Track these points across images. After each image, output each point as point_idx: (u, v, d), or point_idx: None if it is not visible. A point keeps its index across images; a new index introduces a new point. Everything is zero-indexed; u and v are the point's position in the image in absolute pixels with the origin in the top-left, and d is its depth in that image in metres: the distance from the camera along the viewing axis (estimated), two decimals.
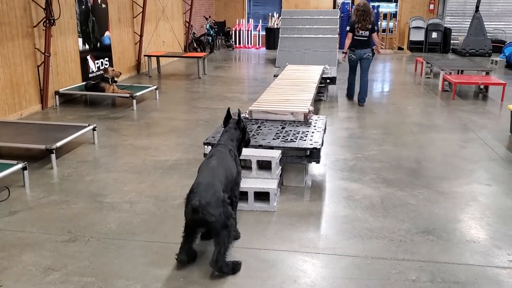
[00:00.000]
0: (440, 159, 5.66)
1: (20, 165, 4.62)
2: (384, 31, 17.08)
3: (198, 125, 7.03)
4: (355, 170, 5.25)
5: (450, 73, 9.88)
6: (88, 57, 9.23)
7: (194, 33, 15.62)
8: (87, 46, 9.16)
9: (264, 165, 4.49)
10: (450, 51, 16.53)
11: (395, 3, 17.70)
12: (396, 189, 4.73)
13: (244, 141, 3.92)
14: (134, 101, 7.93)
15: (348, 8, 16.43)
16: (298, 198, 4.49)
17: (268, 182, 4.31)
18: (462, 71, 10.34)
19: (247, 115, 5.51)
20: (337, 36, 13.09)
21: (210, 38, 15.95)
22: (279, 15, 15.83)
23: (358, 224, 4.00)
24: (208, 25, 16.05)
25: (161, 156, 5.66)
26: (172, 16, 13.98)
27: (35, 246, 3.60)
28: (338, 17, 13.47)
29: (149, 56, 11.37)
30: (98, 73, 9.44)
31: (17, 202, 4.36)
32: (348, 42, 8.50)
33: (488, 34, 15.45)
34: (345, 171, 5.21)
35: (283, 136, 4.82)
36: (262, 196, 4.25)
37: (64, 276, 3.21)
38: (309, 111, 5.42)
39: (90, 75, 9.24)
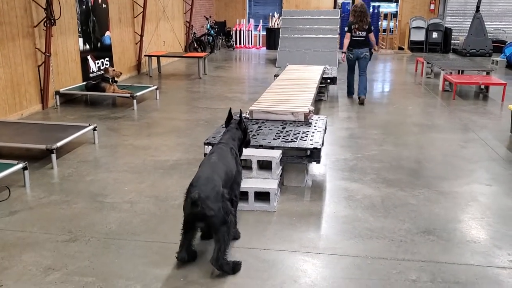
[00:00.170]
0: (440, 159, 5.66)
1: (20, 165, 4.62)
2: (384, 31, 17.08)
3: (198, 125, 7.03)
4: (355, 170, 5.25)
5: (451, 73, 9.88)
6: (89, 57, 9.23)
7: (194, 33, 15.62)
8: (87, 46, 9.16)
9: (265, 165, 4.49)
10: (451, 51, 16.53)
11: (395, 3, 17.71)
12: (397, 189, 4.73)
13: (245, 142, 3.93)
14: (135, 101, 7.93)
15: (348, 8, 16.43)
16: (298, 198, 4.49)
17: (269, 182, 4.31)
18: (462, 71, 10.34)
19: (247, 115, 5.51)
20: (337, 36, 13.09)
21: (210, 38, 15.96)
22: (280, 15, 15.84)
23: (358, 224, 4.00)
24: (208, 25, 16.06)
25: (162, 156, 5.66)
26: (172, 16, 13.99)
27: (35, 246, 3.60)
28: (339, 17, 13.46)
29: (150, 56, 11.37)
30: (99, 73, 9.44)
31: (18, 202, 4.36)
32: (346, 42, 8.74)
33: (488, 34, 15.45)
34: (346, 171, 5.21)
35: (284, 136, 4.82)
36: (263, 196, 4.25)
37: (65, 276, 3.21)
38: (309, 111, 5.42)
39: (91, 75, 9.25)
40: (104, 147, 5.97)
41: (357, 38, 8.65)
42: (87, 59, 9.18)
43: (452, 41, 16.57)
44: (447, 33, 16.36)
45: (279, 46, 12.99)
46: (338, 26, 13.18)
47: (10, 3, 6.89)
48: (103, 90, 8.12)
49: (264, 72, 12.27)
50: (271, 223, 4.00)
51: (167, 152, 5.81)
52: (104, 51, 9.84)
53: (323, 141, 4.87)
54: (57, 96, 7.98)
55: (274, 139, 4.75)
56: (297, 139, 4.73)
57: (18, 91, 7.17)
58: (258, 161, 4.45)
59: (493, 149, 6.03)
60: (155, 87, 8.75)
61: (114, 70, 8.44)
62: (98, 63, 9.55)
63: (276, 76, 8.49)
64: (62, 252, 3.51)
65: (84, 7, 8.97)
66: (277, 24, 16.76)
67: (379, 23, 16.91)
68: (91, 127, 6.02)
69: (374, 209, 4.27)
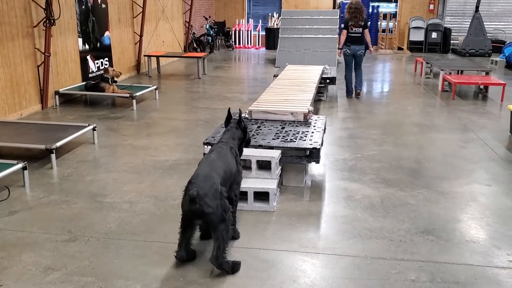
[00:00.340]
0: (440, 159, 5.67)
1: (20, 165, 4.63)
2: (384, 31, 17.09)
3: (197, 125, 7.03)
4: (354, 170, 5.25)
5: (450, 73, 9.88)
6: (88, 57, 9.23)
7: (194, 33, 15.62)
8: (87, 46, 9.16)
9: (264, 165, 4.50)
10: (450, 51, 16.53)
11: (395, 3, 17.71)
12: (396, 189, 4.74)
13: (245, 141, 3.93)
14: (134, 101, 7.93)
15: None
16: (297, 198, 4.49)
17: (268, 182, 4.31)
18: (462, 71, 10.34)
19: (247, 115, 5.51)
20: (336, 36, 13.08)
21: (210, 38, 15.96)
22: (279, 15, 15.83)
23: (357, 224, 4.00)
24: (208, 25, 16.05)
25: (161, 156, 5.66)
26: (172, 16, 13.99)
27: (35, 245, 3.60)
28: (338, 17, 13.46)
29: (149, 56, 11.37)
30: (98, 73, 9.44)
31: (17, 202, 4.36)
32: (343, 38, 9.10)
33: (488, 34, 15.45)
34: (345, 171, 5.21)
35: (283, 136, 4.82)
36: (262, 196, 4.25)
37: (64, 276, 3.21)
38: (308, 111, 5.42)
39: (90, 75, 9.25)
40: (104, 147, 5.97)
41: (353, 35, 8.95)
42: (87, 59, 9.18)
43: (451, 41, 16.57)
44: (446, 33, 16.36)
45: (278, 46, 12.99)
46: (337, 26, 13.17)
47: (10, 3, 6.89)
48: (102, 90, 8.12)
49: (263, 72, 12.28)
50: (270, 223, 4.00)
51: (167, 152, 5.81)
52: (104, 51, 9.84)
53: (322, 141, 4.88)
54: (57, 96, 7.98)
55: (273, 139, 4.75)
56: (296, 139, 4.73)
57: (18, 91, 7.17)
58: (258, 161, 4.45)
59: (492, 149, 6.04)
60: (155, 87, 8.75)
61: (113, 70, 8.45)
62: (97, 63, 9.55)
63: (275, 76, 8.50)
64: (62, 252, 3.51)
65: (83, 7, 8.97)
66: (277, 24, 16.76)
67: (379, 23, 16.92)
68: (91, 127, 6.02)
69: (373, 209, 4.28)
